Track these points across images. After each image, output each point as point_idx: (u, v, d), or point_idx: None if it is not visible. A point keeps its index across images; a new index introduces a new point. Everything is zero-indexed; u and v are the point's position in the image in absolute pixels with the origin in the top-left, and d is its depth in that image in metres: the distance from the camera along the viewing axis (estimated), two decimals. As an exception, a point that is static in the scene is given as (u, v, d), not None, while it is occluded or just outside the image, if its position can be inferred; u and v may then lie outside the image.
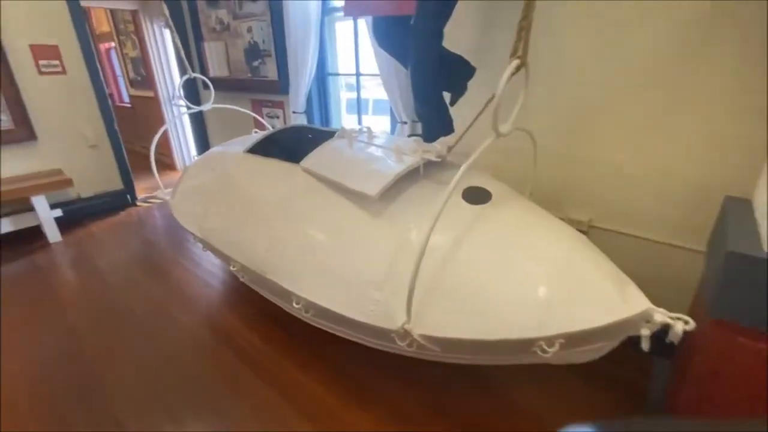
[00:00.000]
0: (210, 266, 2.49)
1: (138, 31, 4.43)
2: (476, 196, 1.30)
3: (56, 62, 3.04)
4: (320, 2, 2.40)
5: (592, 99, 1.58)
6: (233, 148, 1.95)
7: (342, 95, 2.92)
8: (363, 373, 1.56)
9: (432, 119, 1.54)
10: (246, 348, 1.74)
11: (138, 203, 3.73)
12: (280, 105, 3.07)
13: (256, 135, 2.06)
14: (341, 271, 1.23)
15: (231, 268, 1.62)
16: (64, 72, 3.09)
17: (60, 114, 3.13)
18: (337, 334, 1.37)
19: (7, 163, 2.97)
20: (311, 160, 1.49)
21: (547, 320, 0.96)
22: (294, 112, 2.83)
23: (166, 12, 2.18)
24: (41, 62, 2.97)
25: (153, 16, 4.26)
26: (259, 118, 2.52)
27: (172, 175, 4.61)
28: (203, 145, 4.07)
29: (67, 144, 3.22)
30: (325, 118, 2.90)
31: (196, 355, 1.71)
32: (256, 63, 3.02)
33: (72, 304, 2.18)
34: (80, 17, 3.09)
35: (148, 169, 2.46)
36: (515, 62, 0.99)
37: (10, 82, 2.83)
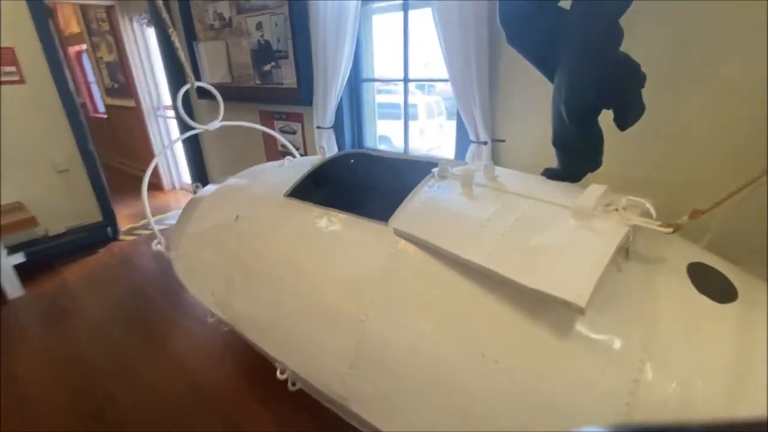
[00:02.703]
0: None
1: (115, 31, 3.79)
2: (707, 280, 0.80)
3: (12, 69, 2.41)
4: (359, -11, 1.87)
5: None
6: (263, 187, 1.39)
7: (376, 104, 2.39)
8: None
9: (586, 149, 1.03)
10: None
11: (121, 237, 3.10)
12: (299, 118, 2.52)
13: (293, 164, 1.51)
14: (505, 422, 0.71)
15: (276, 368, 1.08)
16: (22, 81, 2.45)
17: (19, 133, 2.49)
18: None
19: (-51, 199, 2.32)
20: (411, 220, 0.95)
21: None
22: (318, 128, 2.29)
23: (161, 5, 1.61)
24: (-8, 69, 2.34)
25: (134, 13, 3.63)
26: (284, 140, 1.97)
27: (160, 198, 3.97)
28: (198, 165, 3.46)
29: (30, 170, 2.59)
30: (359, 135, 2.36)
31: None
32: (267, 67, 2.46)
33: (29, 402, 1.58)
34: (43, 16, 2.47)
35: (131, 189, 1.87)
36: None
37: (-51, 94, 2.20)
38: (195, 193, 1.90)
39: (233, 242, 1.27)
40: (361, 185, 1.43)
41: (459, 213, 0.92)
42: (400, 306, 0.88)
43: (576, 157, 1.05)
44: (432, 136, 5.92)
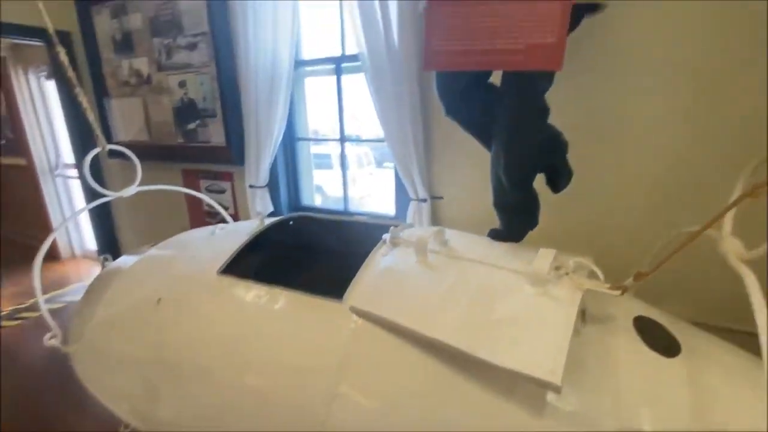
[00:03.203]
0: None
1: (4, 83, 3.36)
2: (653, 335, 0.84)
3: None
4: (292, 53, 1.88)
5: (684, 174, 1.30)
6: (191, 262, 1.24)
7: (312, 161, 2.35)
8: None
9: (525, 210, 1.09)
10: None
11: (3, 323, 2.54)
12: (228, 176, 2.38)
13: (226, 232, 1.38)
14: None
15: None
16: None
17: None
18: None
19: None
20: (368, 296, 0.89)
21: None
22: (252, 187, 2.17)
23: (64, 61, 1.44)
24: None
25: (29, 64, 3.27)
26: (213, 202, 1.82)
27: (55, 269, 3.40)
28: (107, 231, 3.06)
29: None
30: (295, 192, 2.28)
31: None
32: (192, 125, 2.33)
33: None
34: None
35: (19, 262, 1.56)
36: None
37: None
38: (104, 267, 1.63)
39: (154, 332, 1.08)
40: (306, 252, 1.34)
41: (418, 285, 0.88)
42: (366, 399, 0.78)
43: (517, 217, 1.10)
44: (363, 184, 6.07)
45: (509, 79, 0.93)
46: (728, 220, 0.75)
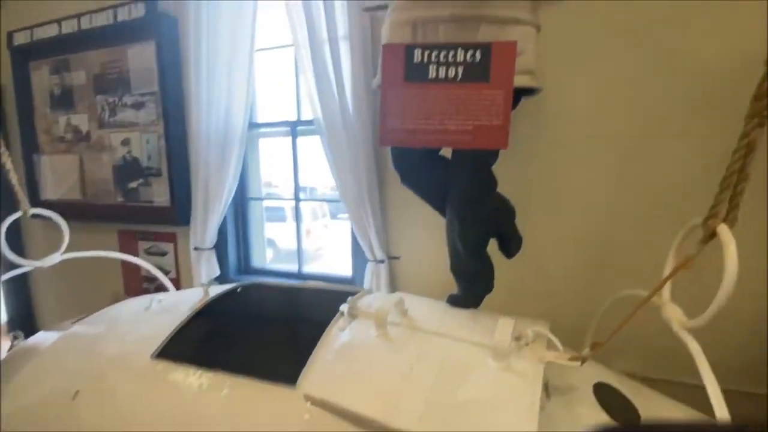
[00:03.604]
0: None
1: None
2: (612, 403, 0.85)
3: None
4: (246, 116, 1.88)
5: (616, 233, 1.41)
6: (120, 343, 1.09)
7: (265, 220, 2.28)
8: None
9: (481, 274, 1.10)
10: None
11: None
12: (171, 238, 2.22)
13: (164, 307, 1.25)
14: None
15: None
16: None
17: None
18: None
19: None
20: (324, 380, 0.82)
21: None
22: (197, 249, 2.04)
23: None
24: None
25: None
26: (151, 267, 1.66)
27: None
28: (21, 301, 2.68)
29: None
30: (245, 253, 2.17)
31: None
32: (133, 184, 2.19)
33: None
34: None
35: None
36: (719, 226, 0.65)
37: None
38: (13, 346, 1.40)
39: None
40: (256, 324, 1.24)
41: (378, 364, 0.83)
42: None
43: (474, 283, 1.11)
44: (318, 237, 5.98)
45: (460, 154, 0.98)
46: (666, 289, 0.80)
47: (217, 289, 1.28)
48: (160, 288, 1.71)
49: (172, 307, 1.21)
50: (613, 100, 1.37)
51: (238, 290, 1.30)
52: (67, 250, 1.48)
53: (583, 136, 1.41)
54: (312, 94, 1.68)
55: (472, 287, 1.11)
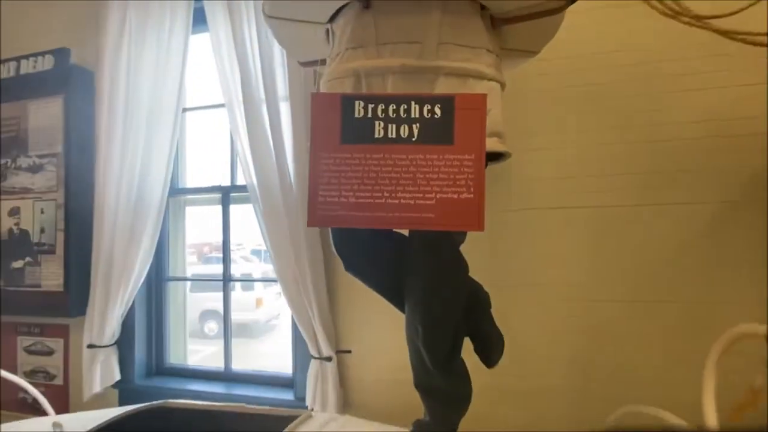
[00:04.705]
0: None
1: None
2: None
3: None
4: (167, 178, 1.59)
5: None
6: None
7: (189, 305, 1.88)
8: None
9: (455, 389, 0.81)
10: None
11: None
12: (61, 332, 1.75)
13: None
14: None
15: None
16: None
17: None
18: None
19: None
20: None
21: None
22: (92, 346, 1.59)
23: None
24: None
25: None
26: (29, 386, 1.21)
27: None
28: None
29: None
30: (159, 351, 1.73)
31: None
32: (18, 263, 1.75)
33: None
34: None
35: None
36: None
37: None
38: None
39: None
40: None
41: None
42: None
43: (446, 404, 0.82)
44: (270, 305, 5.44)
45: (419, 233, 0.75)
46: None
47: (106, 417, 0.90)
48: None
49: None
50: (584, 167, 1.24)
51: (143, 414, 0.93)
52: None
53: (553, 205, 1.26)
54: (247, 157, 1.44)
55: (443, 410, 0.82)
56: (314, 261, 1.35)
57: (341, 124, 0.61)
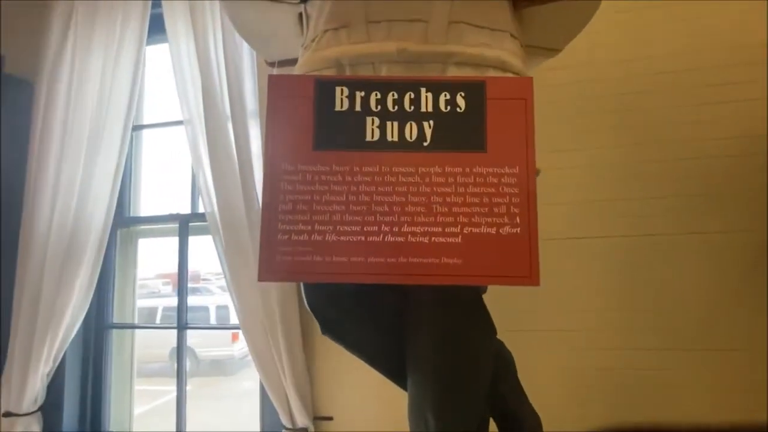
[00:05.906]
0: None
1: None
2: None
3: None
4: (111, 205, 1.33)
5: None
6: None
7: (158, 342, 1.58)
8: None
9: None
10: None
11: None
12: (-27, 395, 1.41)
13: None
14: None
15: None
16: None
17: None
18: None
19: None
20: None
21: None
22: (8, 415, 1.26)
23: None
24: None
25: None
26: None
27: None
28: None
29: None
30: (95, 414, 1.41)
31: None
32: None
33: None
34: None
35: None
36: None
37: None
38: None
39: None
40: None
41: None
42: None
43: None
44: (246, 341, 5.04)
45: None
46: None
47: None
48: None
49: None
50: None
51: None
52: None
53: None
54: (207, 181, 1.21)
55: None
56: (286, 306, 1.10)
57: (314, 122, 0.39)
